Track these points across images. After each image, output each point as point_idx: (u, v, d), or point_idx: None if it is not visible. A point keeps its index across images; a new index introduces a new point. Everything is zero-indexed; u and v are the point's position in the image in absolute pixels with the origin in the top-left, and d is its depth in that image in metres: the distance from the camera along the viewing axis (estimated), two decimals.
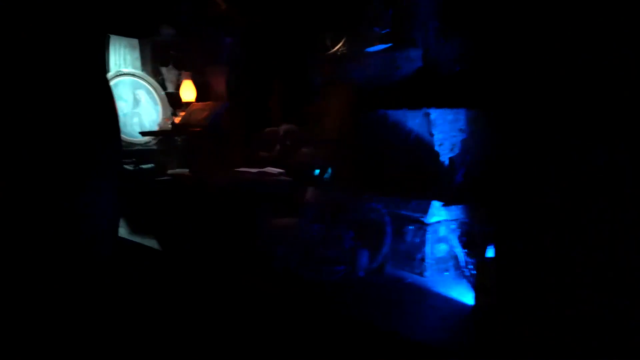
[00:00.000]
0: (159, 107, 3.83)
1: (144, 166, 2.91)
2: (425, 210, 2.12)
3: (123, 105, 3.71)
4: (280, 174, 2.51)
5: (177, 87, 4.23)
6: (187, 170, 2.88)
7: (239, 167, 2.95)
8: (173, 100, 3.90)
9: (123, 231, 2.47)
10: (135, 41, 4.01)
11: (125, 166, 2.90)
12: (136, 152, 3.46)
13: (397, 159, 2.42)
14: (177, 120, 3.36)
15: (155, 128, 3.74)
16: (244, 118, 3.44)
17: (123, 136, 3.64)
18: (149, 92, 3.83)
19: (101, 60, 2.60)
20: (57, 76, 1.60)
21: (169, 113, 3.83)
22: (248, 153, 3.23)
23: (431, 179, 2.21)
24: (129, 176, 2.75)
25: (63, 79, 1.61)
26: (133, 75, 3.80)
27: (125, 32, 3.97)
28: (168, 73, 4.17)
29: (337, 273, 1.90)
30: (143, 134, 3.47)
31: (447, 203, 2.11)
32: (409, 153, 2.37)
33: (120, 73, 3.74)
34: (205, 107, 3.15)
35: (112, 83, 3.68)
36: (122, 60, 3.92)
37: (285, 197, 2.36)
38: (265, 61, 3.82)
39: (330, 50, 3.36)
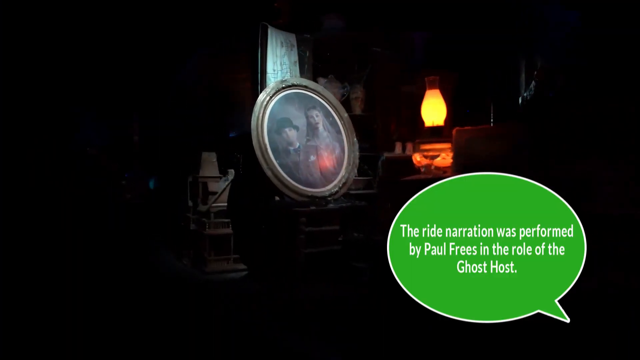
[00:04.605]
0: (343, 137, 2.48)
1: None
2: None
3: (291, 135, 2.36)
4: None
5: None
6: None
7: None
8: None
9: None
10: (293, 37, 2.68)
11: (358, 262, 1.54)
12: (335, 212, 2.11)
13: None
14: (425, 158, 1.99)
15: (342, 169, 2.39)
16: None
17: (296, 185, 2.28)
18: (327, 114, 2.49)
19: None
20: None
21: (356, 143, 2.48)
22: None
23: None
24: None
25: None
26: (305, 87, 2.46)
27: (279, 23, 2.64)
28: (329, 86, 2.83)
29: None
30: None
31: None
32: None
33: (287, 85, 2.40)
34: (491, 134, 1.82)
35: (275, 99, 2.34)
36: (279, 65, 2.58)
37: None
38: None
39: None
